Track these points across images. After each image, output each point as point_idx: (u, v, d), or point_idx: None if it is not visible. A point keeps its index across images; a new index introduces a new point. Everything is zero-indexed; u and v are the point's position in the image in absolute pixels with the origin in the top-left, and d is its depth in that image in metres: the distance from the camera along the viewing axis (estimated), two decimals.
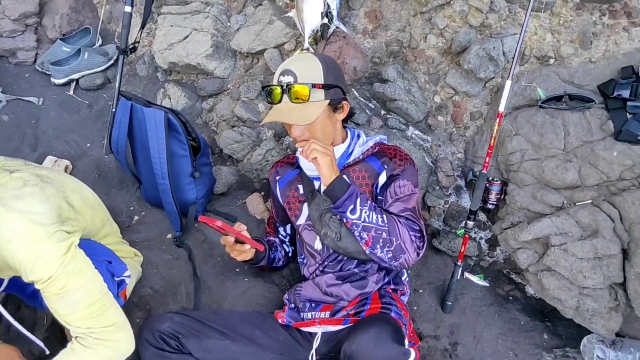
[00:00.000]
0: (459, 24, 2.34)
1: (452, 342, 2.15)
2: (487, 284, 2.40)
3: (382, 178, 1.92)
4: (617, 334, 2.06)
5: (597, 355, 2.00)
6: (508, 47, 2.27)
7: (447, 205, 2.53)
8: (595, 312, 2.01)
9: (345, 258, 1.92)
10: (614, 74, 2.17)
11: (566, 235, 2.03)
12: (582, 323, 2.06)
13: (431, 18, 2.37)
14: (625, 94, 2.09)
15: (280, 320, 1.95)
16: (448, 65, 2.42)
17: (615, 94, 2.10)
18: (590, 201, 2.09)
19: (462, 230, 2.38)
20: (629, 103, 2.09)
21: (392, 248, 1.75)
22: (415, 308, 2.27)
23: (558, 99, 2.19)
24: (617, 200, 2.03)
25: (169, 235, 2.35)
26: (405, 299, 2.04)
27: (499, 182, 2.28)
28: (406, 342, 1.61)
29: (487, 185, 2.27)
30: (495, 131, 2.10)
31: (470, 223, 2.22)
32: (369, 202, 1.80)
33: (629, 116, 2.09)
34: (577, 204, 2.11)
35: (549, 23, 2.24)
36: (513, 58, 2.04)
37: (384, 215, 1.78)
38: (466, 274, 2.39)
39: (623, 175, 2.07)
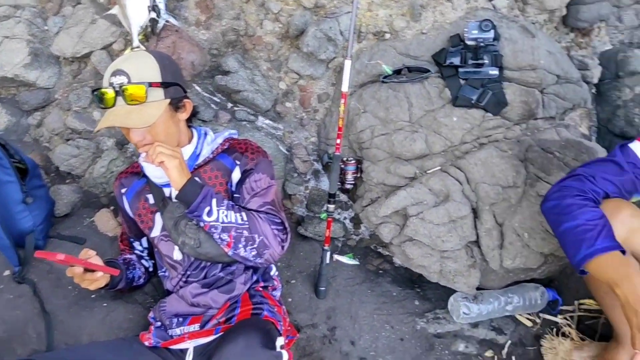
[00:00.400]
0: (292, 6, 2.29)
1: (330, 327, 2.14)
2: (357, 262, 2.42)
3: (236, 175, 1.83)
4: (478, 288, 2.17)
5: (463, 312, 2.10)
6: (344, 25, 2.27)
7: (308, 191, 2.50)
8: (456, 272, 2.10)
9: (209, 264, 1.82)
10: (444, 43, 2.26)
11: (422, 204, 2.09)
12: (446, 284, 2.14)
13: (264, 3, 2.31)
14: (456, 61, 2.19)
15: (147, 343, 1.79)
16: (288, 49, 2.38)
17: (447, 62, 2.19)
18: (439, 167, 2.18)
19: (325, 214, 2.37)
20: (460, 70, 2.20)
21: (255, 245, 1.68)
22: (289, 300, 2.22)
23: (398, 72, 2.24)
24: (462, 164, 2.13)
25: (7, 272, 2.07)
26: (277, 293, 1.98)
27: (353, 161, 2.29)
28: (278, 343, 1.55)
29: (342, 166, 2.27)
30: (341, 112, 2.09)
31: (332, 206, 2.21)
32: (225, 201, 1.70)
33: (462, 82, 2.20)
34: (427, 172, 2.18)
35: None
36: (349, 36, 2.04)
37: (243, 213, 1.70)
38: (335, 256, 2.39)
39: (464, 139, 2.17)
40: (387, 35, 2.31)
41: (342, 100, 2.08)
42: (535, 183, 2.05)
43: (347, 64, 2.04)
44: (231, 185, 1.82)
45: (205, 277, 1.82)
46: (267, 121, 2.45)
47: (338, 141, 2.13)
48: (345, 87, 2.06)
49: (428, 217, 2.06)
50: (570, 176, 1.66)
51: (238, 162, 1.82)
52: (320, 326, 2.14)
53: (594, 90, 2.83)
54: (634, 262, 1.69)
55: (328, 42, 2.25)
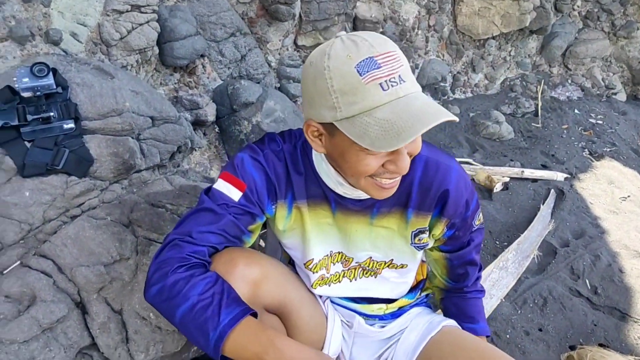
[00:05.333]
0: None
1: None
2: None
3: None
4: None
5: None
6: None
7: None
8: None
9: None
10: None
11: None
12: None
13: None
14: (13, 120, 1.66)
15: None
16: None
17: (2, 123, 1.65)
18: (19, 262, 1.59)
19: None
20: (23, 130, 1.68)
21: None
22: None
23: None
24: (47, 249, 1.59)
25: None
26: None
27: None
28: None
29: None
30: None
31: None
32: None
33: (29, 145, 1.68)
34: (4, 272, 1.58)
35: None
36: None
37: None
38: None
39: (48, 216, 1.65)
40: None
41: None
42: (148, 248, 1.64)
43: None
44: None
45: None
46: None
47: None
48: None
49: (7, 336, 1.44)
50: (165, 245, 1.26)
51: None
52: None
53: (217, 130, 2.65)
54: (273, 321, 1.39)
55: None
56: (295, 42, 2.94)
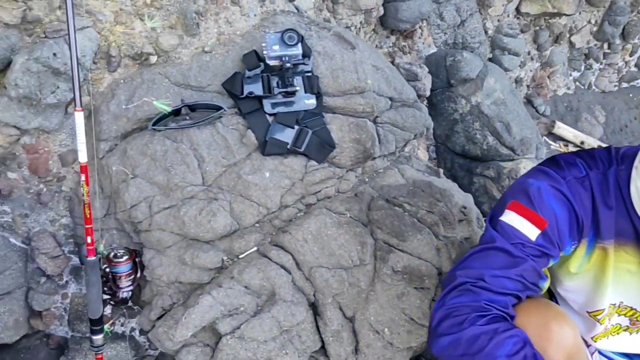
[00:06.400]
0: None
1: None
2: None
3: None
4: None
5: None
6: (83, 48, 1.45)
7: (68, 301, 1.65)
8: None
9: None
10: (237, 64, 1.57)
11: (237, 312, 1.39)
12: None
13: None
14: (257, 90, 1.52)
15: None
16: None
17: (246, 92, 1.51)
18: (255, 249, 1.49)
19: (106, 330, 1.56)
20: (265, 102, 1.54)
21: None
22: None
23: (176, 113, 1.50)
24: (286, 241, 1.47)
25: None
26: None
27: (125, 257, 1.47)
28: None
29: (108, 268, 1.45)
30: (85, 193, 1.28)
31: (99, 337, 1.39)
32: None
33: (270, 119, 1.53)
34: (240, 256, 1.48)
35: (132, 5, 1.50)
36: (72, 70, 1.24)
37: None
38: None
39: (285, 201, 1.52)
40: (154, 58, 1.55)
41: (83, 177, 1.27)
42: (387, 255, 1.47)
43: (79, 118, 1.24)
44: None
45: None
46: None
47: (89, 240, 1.31)
48: (83, 157, 1.26)
49: (249, 334, 1.36)
50: (453, 287, 1.07)
51: None
52: None
53: (426, 103, 2.39)
54: None
55: (55, 77, 1.41)
56: (517, 9, 2.57)
